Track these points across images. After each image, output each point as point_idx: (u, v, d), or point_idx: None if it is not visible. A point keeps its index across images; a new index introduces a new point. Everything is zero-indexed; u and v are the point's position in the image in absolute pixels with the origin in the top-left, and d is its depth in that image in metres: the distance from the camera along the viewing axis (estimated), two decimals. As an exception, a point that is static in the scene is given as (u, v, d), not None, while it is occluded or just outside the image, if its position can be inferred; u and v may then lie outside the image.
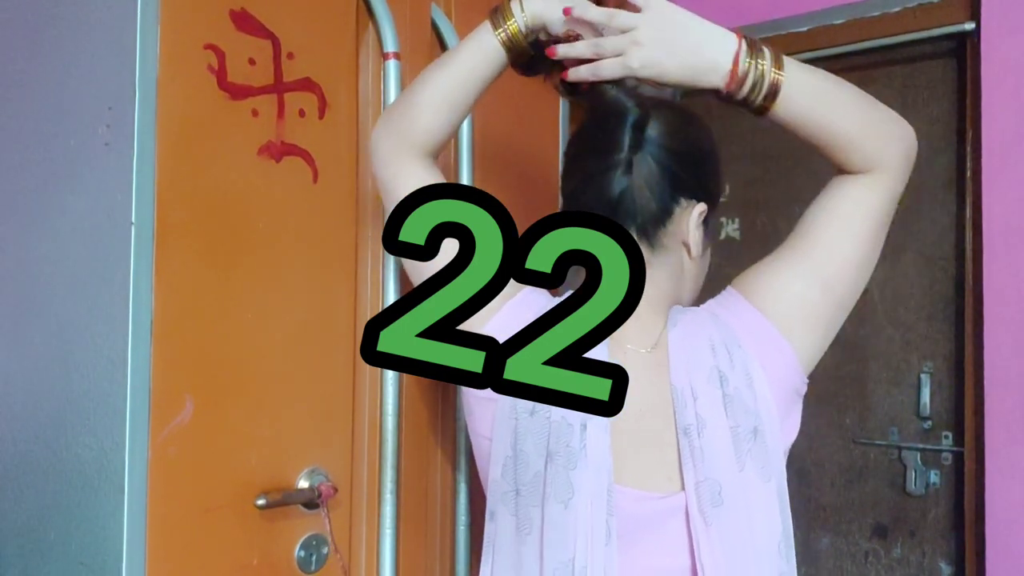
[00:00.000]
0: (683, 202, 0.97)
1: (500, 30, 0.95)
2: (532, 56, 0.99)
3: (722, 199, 2.35)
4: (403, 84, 1.25)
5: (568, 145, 1.04)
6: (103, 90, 0.98)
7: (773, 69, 0.88)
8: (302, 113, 1.12)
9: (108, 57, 0.98)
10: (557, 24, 0.95)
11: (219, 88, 1.02)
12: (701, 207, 0.97)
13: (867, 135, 0.91)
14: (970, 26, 1.84)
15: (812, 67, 0.92)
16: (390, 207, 1.01)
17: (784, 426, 0.93)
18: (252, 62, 1.06)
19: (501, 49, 0.96)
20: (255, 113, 1.06)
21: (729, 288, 0.99)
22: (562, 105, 1.58)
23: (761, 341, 0.93)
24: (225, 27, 1.03)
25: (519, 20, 0.95)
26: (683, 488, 0.90)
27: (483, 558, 0.97)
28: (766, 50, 0.90)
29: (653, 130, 0.94)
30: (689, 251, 0.98)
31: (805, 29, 2.07)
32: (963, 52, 1.91)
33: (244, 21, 1.05)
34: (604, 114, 0.97)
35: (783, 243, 0.98)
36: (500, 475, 0.95)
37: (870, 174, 0.93)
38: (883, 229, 0.96)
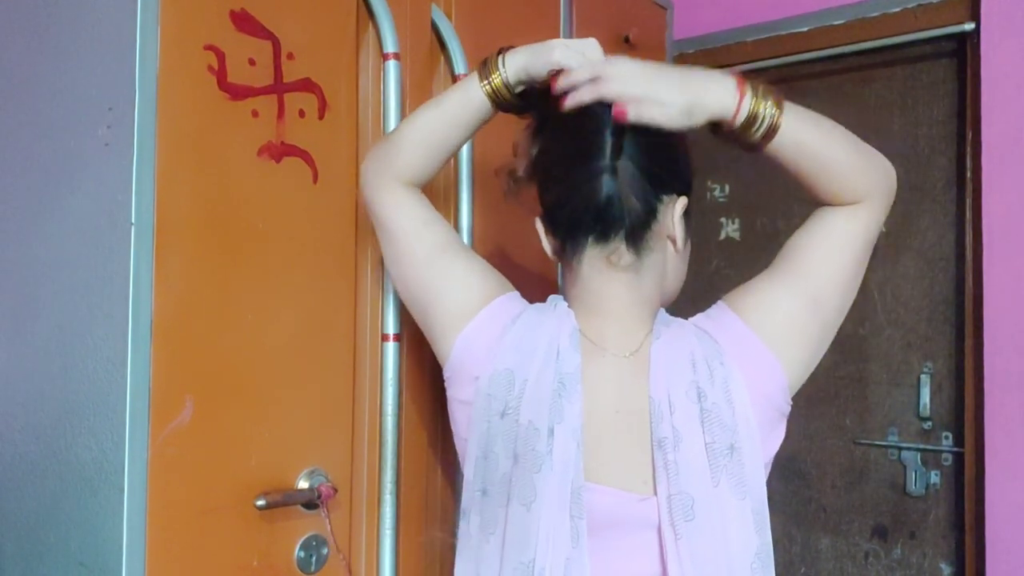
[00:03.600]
0: (665, 199, 0.97)
1: (485, 82, 1.00)
2: (518, 105, 1.04)
3: (722, 200, 2.35)
4: (403, 84, 1.25)
5: (540, 155, 1.02)
6: (103, 91, 0.98)
7: (775, 110, 0.91)
8: (302, 113, 1.12)
9: (108, 57, 0.98)
10: (542, 73, 0.99)
11: (219, 88, 1.02)
12: (683, 200, 0.98)
13: (855, 169, 0.94)
14: (970, 27, 1.85)
15: (806, 109, 0.95)
16: (378, 230, 1.07)
17: (765, 444, 0.93)
18: (252, 62, 1.06)
19: (486, 99, 1.01)
20: (255, 114, 1.06)
21: (719, 303, 0.99)
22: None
23: (748, 355, 0.93)
24: (225, 27, 1.03)
25: (503, 74, 1.00)
26: (656, 494, 0.90)
27: (457, 554, 0.99)
28: (766, 91, 0.92)
29: (630, 134, 0.94)
30: (675, 244, 0.99)
31: (805, 29, 2.07)
32: (963, 53, 1.92)
33: (244, 21, 1.05)
34: (580, 121, 0.96)
35: (771, 265, 0.99)
36: (472, 475, 0.97)
37: (855, 207, 0.96)
38: (866, 255, 0.98)
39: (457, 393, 1.01)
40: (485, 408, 0.96)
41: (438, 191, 1.32)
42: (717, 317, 0.97)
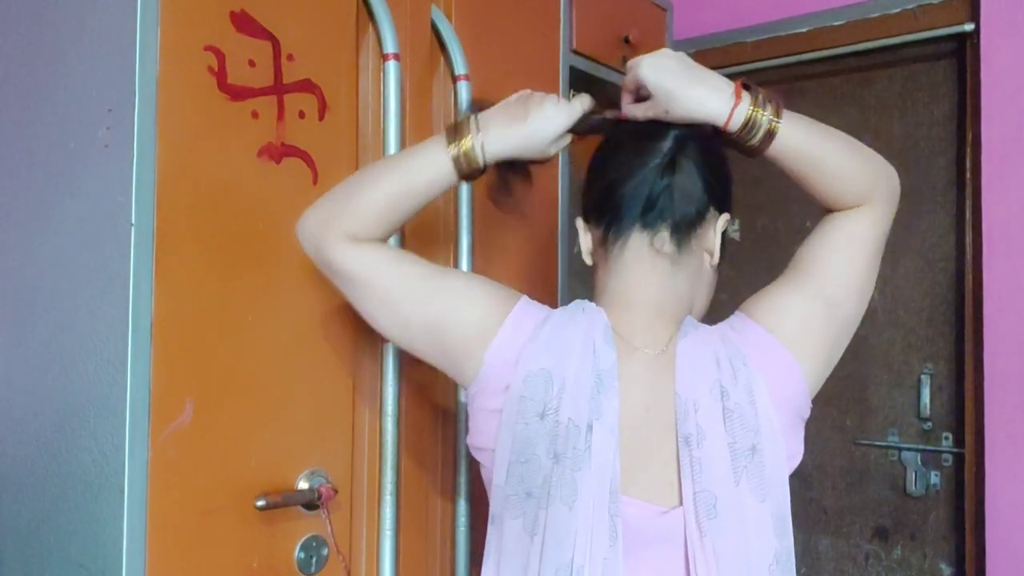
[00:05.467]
0: (712, 210, 1.00)
1: (456, 162, 0.96)
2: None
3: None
4: (403, 85, 1.25)
5: (599, 151, 1.04)
6: (103, 92, 0.98)
7: (774, 116, 0.93)
8: (302, 114, 1.12)
9: (108, 59, 0.98)
10: (536, 154, 0.98)
11: (219, 90, 1.02)
12: (726, 216, 1.01)
13: (856, 171, 0.97)
14: (970, 27, 1.84)
15: (805, 117, 0.97)
16: (347, 286, 0.99)
17: (787, 449, 0.94)
18: (252, 63, 1.06)
19: (455, 174, 0.97)
20: (255, 115, 1.06)
21: (737, 312, 1.01)
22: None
23: (769, 359, 0.94)
24: (225, 28, 1.03)
25: (480, 157, 0.96)
26: (681, 501, 0.91)
27: (484, 561, 0.98)
28: (766, 98, 0.94)
29: (692, 141, 0.98)
30: (712, 256, 1.01)
31: (805, 30, 2.07)
32: (963, 53, 1.92)
33: (244, 22, 1.05)
34: (646, 127, 0.99)
35: (783, 273, 1.01)
36: (504, 480, 0.95)
37: (860, 209, 0.97)
38: (876, 258, 1.00)
39: (485, 404, 0.97)
40: (519, 411, 0.93)
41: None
42: (738, 326, 0.98)
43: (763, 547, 0.90)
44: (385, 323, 1.00)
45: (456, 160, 0.96)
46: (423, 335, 0.99)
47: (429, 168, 0.97)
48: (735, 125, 0.93)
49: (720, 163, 1.01)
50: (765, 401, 0.92)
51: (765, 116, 0.93)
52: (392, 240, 1.10)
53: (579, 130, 1.01)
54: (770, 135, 0.93)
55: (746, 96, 0.93)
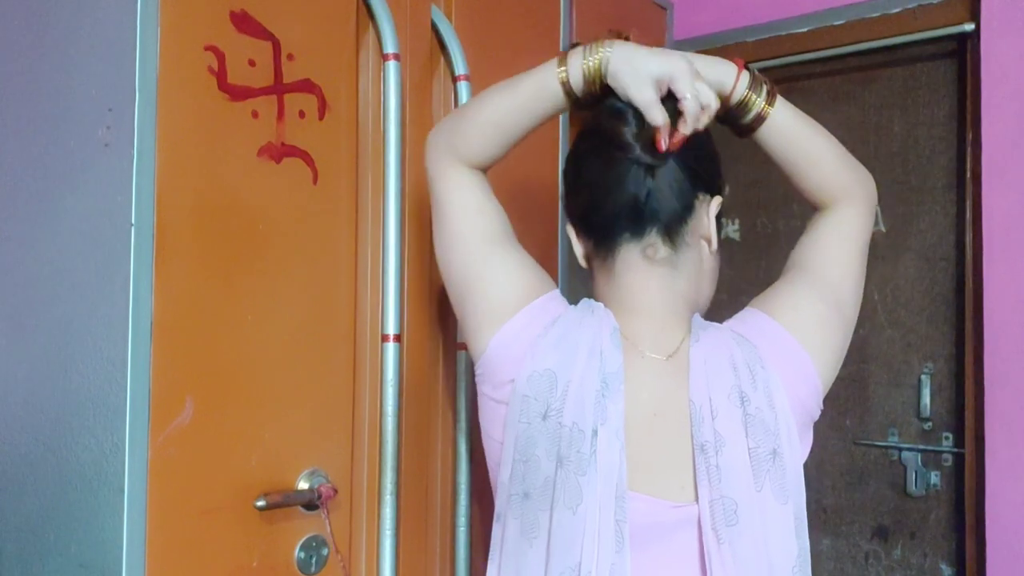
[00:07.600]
0: (701, 196, 0.99)
1: (562, 69, 0.95)
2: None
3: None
4: (403, 85, 1.25)
5: (571, 160, 1.03)
6: (103, 91, 0.98)
7: (768, 96, 0.98)
8: (302, 114, 1.12)
9: (108, 58, 0.98)
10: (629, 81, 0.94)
11: (219, 89, 1.02)
12: (717, 199, 1.00)
13: (839, 164, 1.01)
14: (970, 27, 1.85)
15: (798, 110, 1.02)
16: (434, 208, 1.04)
17: (802, 448, 0.94)
18: (252, 63, 1.06)
19: (560, 91, 0.96)
20: (255, 114, 1.06)
21: (748, 308, 1.01)
22: (561, 115, 1.58)
23: (785, 356, 0.94)
24: (225, 28, 1.03)
25: (575, 73, 0.94)
26: (696, 500, 0.90)
27: (490, 559, 0.98)
28: (763, 80, 0.99)
29: None
30: (710, 243, 1.00)
31: (805, 30, 2.07)
32: (963, 53, 1.92)
33: (244, 22, 1.05)
34: (609, 120, 0.97)
35: (784, 275, 1.02)
36: (508, 478, 0.95)
37: (842, 205, 1.01)
38: (865, 252, 1.03)
39: (490, 392, 0.98)
40: (522, 410, 0.93)
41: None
42: (750, 321, 0.98)
43: (786, 550, 0.90)
44: (439, 254, 1.04)
45: (565, 65, 0.94)
46: (455, 285, 1.02)
47: (537, 75, 0.96)
48: (738, 95, 0.97)
49: (702, 146, 0.99)
50: (783, 402, 0.92)
51: (763, 90, 0.98)
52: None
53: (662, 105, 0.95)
54: (763, 112, 0.98)
55: (746, 72, 0.98)
